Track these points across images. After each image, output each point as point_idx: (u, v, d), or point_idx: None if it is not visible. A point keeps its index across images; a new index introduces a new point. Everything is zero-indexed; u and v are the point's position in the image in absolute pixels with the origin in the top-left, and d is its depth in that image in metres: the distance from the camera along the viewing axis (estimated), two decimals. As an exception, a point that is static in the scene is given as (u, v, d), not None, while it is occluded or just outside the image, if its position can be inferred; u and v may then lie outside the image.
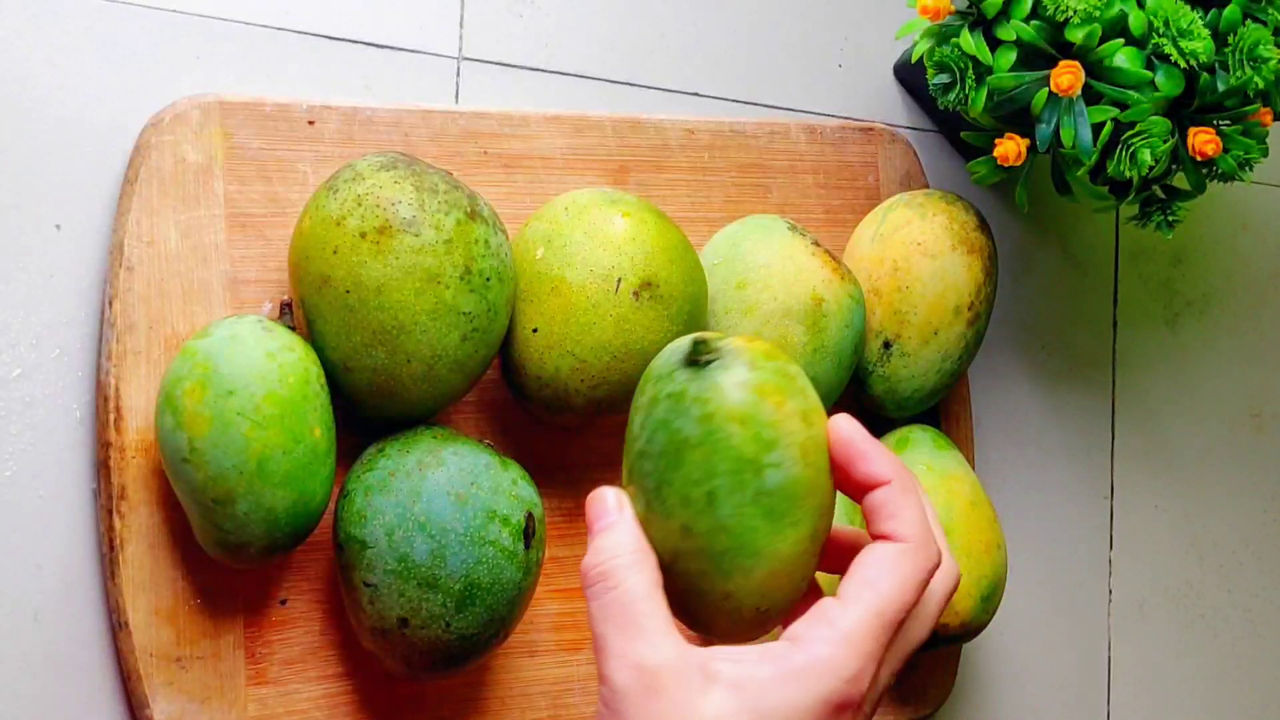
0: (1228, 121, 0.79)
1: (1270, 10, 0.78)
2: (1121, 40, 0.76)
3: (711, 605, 0.56)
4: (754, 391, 0.54)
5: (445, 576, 0.67)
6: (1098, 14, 0.75)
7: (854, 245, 0.85)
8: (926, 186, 0.91)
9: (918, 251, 0.82)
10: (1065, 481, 0.97)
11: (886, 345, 0.83)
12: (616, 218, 0.74)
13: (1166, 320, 1.02)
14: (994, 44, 0.78)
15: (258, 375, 0.65)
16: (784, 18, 0.90)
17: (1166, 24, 0.76)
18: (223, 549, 0.67)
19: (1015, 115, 0.79)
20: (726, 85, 0.88)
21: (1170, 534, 1.01)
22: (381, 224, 0.67)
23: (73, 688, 0.70)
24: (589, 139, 0.81)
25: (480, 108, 0.79)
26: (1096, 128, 0.77)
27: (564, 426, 0.78)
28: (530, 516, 0.70)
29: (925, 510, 0.56)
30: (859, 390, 0.85)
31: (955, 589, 0.58)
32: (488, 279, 0.70)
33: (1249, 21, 0.78)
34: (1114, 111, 0.76)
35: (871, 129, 0.89)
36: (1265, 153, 0.80)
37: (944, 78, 0.79)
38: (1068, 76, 0.75)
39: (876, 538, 0.55)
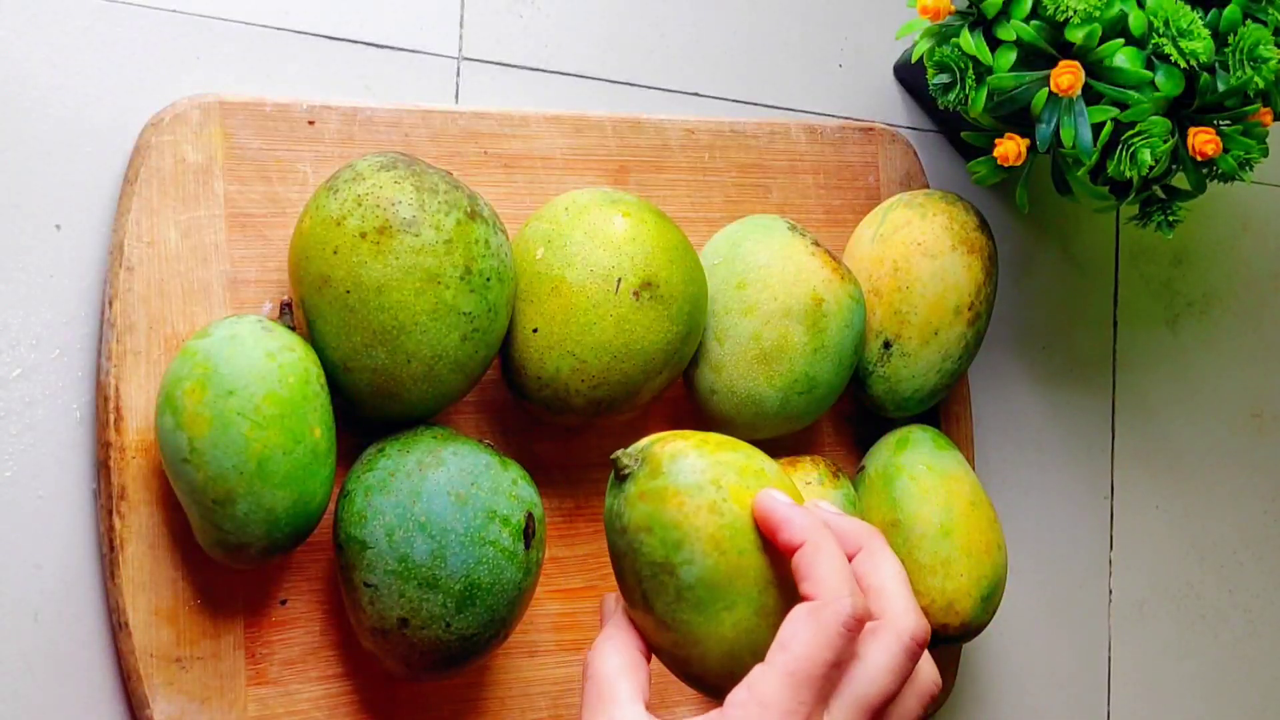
0: (1228, 121, 0.79)
1: (1270, 10, 0.78)
2: (1121, 40, 0.76)
3: (695, 685, 0.61)
4: (654, 500, 0.58)
5: (445, 577, 0.67)
6: (1098, 14, 0.75)
7: (854, 245, 0.85)
8: (926, 186, 0.91)
9: (918, 251, 0.82)
10: (1065, 481, 0.97)
11: (886, 345, 0.83)
12: (616, 218, 0.74)
13: (1166, 320, 1.02)
14: (994, 44, 0.78)
15: (258, 375, 0.65)
16: (784, 18, 0.90)
17: (1166, 24, 0.76)
18: (223, 549, 0.67)
19: (1015, 115, 0.79)
20: (726, 85, 0.88)
21: (1170, 534, 1.01)
22: (381, 224, 0.67)
23: (73, 688, 0.70)
24: (589, 139, 0.81)
25: (480, 108, 0.79)
26: (1096, 128, 0.77)
27: (564, 426, 0.78)
28: (530, 516, 0.70)
29: (837, 564, 0.57)
30: (859, 390, 0.85)
31: (924, 640, 0.59)
32: (488, 279, 0.70)
33: (1249, 21, 0.78)
34: (1114, 111, 0.76)
35: (871, 129, 0.89)
36: (1265, 153, 0.80)
37: (944, 78, 0.79)
38: (1068, 76, 0.75)
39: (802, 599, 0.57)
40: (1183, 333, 1.02)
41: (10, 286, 0.70)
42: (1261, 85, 0.77)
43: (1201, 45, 0.76)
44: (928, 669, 0.59)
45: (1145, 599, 1.00)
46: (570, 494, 0.79)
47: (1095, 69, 0.76)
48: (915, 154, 0.90)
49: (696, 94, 0.87)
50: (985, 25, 0.78)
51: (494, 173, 0.78)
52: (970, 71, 0.78)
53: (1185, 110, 0.79)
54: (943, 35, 0.79)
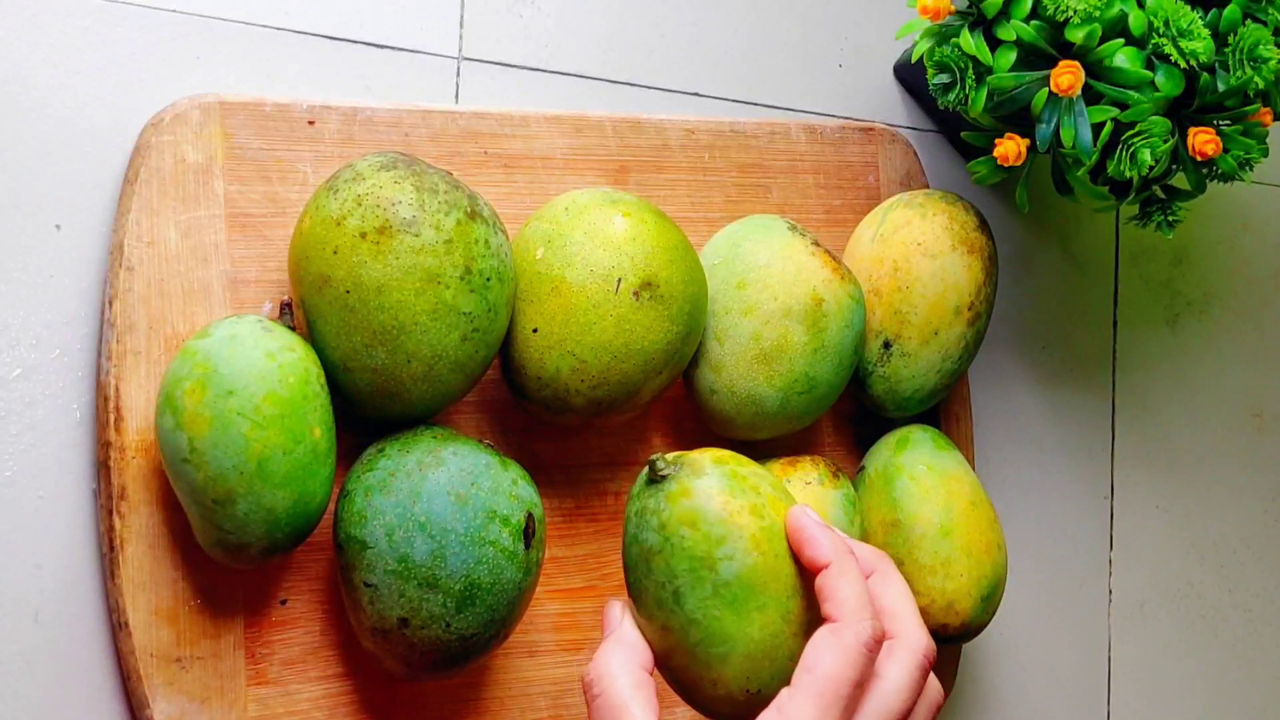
0: (1228, 121, 0.79)
1: (1270, 10, 0.78)
2: (1121, 40, 0.76)
3: (706, 693, 0.62)
4: (700, 495, 0.61)
5: (445, 577, 0.67)
6: (1098, 14, 0.75)
7: (854, 245, 0.85)
8: (926, 186, 0.91)
9: (918, 251, 0.82)
10: (1065, 481, 0.97)
11: (886, 345, 0.83)
12: (616, 218, 0.74)
13: (1167, 320, 1.02)
14: (994, 44, 0.78)
15: (258, 375, 0.65)
16: (784, 18, 0.90)
17: (1166, 24, 0.76)
18: (223, 549, 0.67)
19: (1015, 115, 0.79)
20: (726, 85, 0.88)
21: (1170, 534, 1.01)
22: (381, 224, 0.67)
23: (73, 688, 0.70)
24: (589, 139, 0.81)
25: (480, 108, 0.79)
26: (1096, 128, 0.77)
27: (564, 426, 0.78)
28: (530, 516, 0.70)
29: (859, 588, 0.59)
30: (859, 390, 0.85)
31: (934, 657, 0.61)
32: (488, 279, 0.70)
33: (1249, 21, 0.78)
34: (1114, 111, 0.76)
35: (871, 129, 0.89)
36: (1265, 153, 0.80)
37: (944, 78, 0.79)
38: (1068, 76, 0.75)
39: (825, 620, 0.59)
40: (1183, 332, 1.02)
41: (10, 286, 0.70)
42: (1261, 85, 0.77)
43: (1201, 45, 0.76)
44: (934, 681, 0.62)
45: (1145, 599, 1.00)
46: (570, 494, 0.79)
47: (1095, 69, 0.76)
48: (915, 154, 0.90)
49: (696, 94, 0.87)
50: (985, 25, 0.78)
51: (494, 173, 0.78)
52: (970, 71, 0.78)
53: (1185, 110, 0.79)
54: (943, 35, 0.79)
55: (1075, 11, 0.75)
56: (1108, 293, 1.00)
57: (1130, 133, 0.77)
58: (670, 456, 0.62)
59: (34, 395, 0.70)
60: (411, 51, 0.80)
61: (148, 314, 0.70)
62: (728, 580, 0.60)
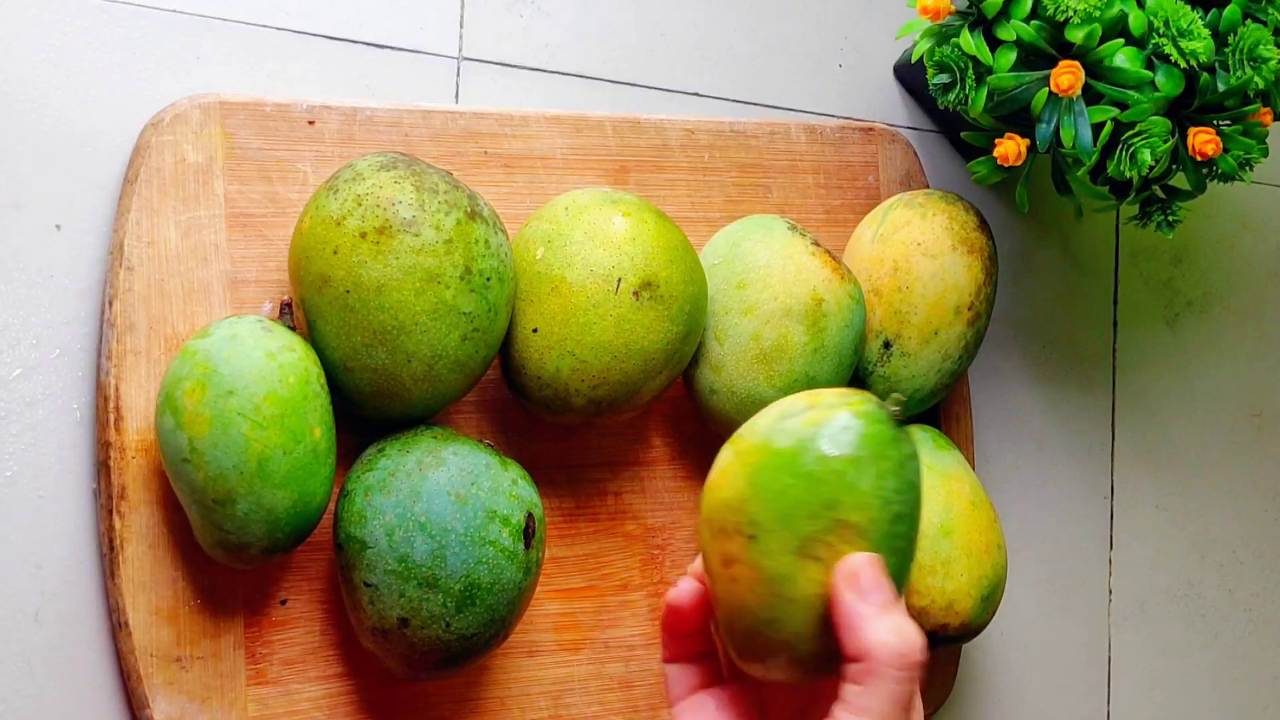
0: (1228, 121, 0.79)
1: (1270, 10, 0.78)
2: (1121, 40, 0.76)
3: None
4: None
5: (445, 576, 0.67)
6: (1098, 14, 0.75)
7: (854, 245, 0.85)
8: (926, 186, 0.91)
9: (918, 251, 0.82)
10: (1065, 481, 0.97)
11: (886, 345, 0.83)
12: (616, 218, 0.74)
13: (1166, 320, 1.02)
14: (994, 44, 0.78)
15: (258, 375, 0.65)
16: (784, 18, 0.90)
17: (1166, 24, 0.76)
18: (223, 549, 0.67)
19: (1015, 115, 0.79)
20: (726, 85, 0.88)
21: (1170, 534, 1.01)
22: (381, 224, 0.67)
23: (73, 688, 0.70)
24: (589, 139, 0.81)
25: (480, 108, 0.79)
26: (1096, 128, 0.76)
27: (564, 426, 0.78)
28: (530, 516, 0.70)
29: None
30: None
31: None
32: (488, 279, 0.70)
33: (1249, 21, 0.78)
34: (1114, 111, 0.76)
35: (871, 129, 0.89)
36: (1265, 153, 0.80)
37: (944, 78, 0.79)
38: (1068, 76, 0.75)
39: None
40: (1183, 332, 1.02)
41: (10, 286, 0.70)
42: (1261, 85, 0.77)
43: (1201, 45, 0.76)
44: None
45: (1146, 598, 1.00)
46: (570, 494, 0.79)
47: (1095, 69, 0.76)
48: (915, 154, 0.90)
49: (696, 94, 0.87)
50: (985, 25, 0.78)
51: (494, 173, 0.78)
52: (970, 71, 0.78)
53: (1185, 110, 0.79)
54: (943, 35, 0.79)
55: (1075, 11, 0.75)
56: (1108, 293, 1.00)
57: (1130, 133, 0.77)
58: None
59: (34, 395, 0.70)
60: (411, 51, 0.80)
61: (148, 314, 0.70)
62: (920, 530, 0.59)
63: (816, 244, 0.79)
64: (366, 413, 0.71)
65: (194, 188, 0.71)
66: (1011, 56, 0.77)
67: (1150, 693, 1.00)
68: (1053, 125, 0.77)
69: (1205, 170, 0.81)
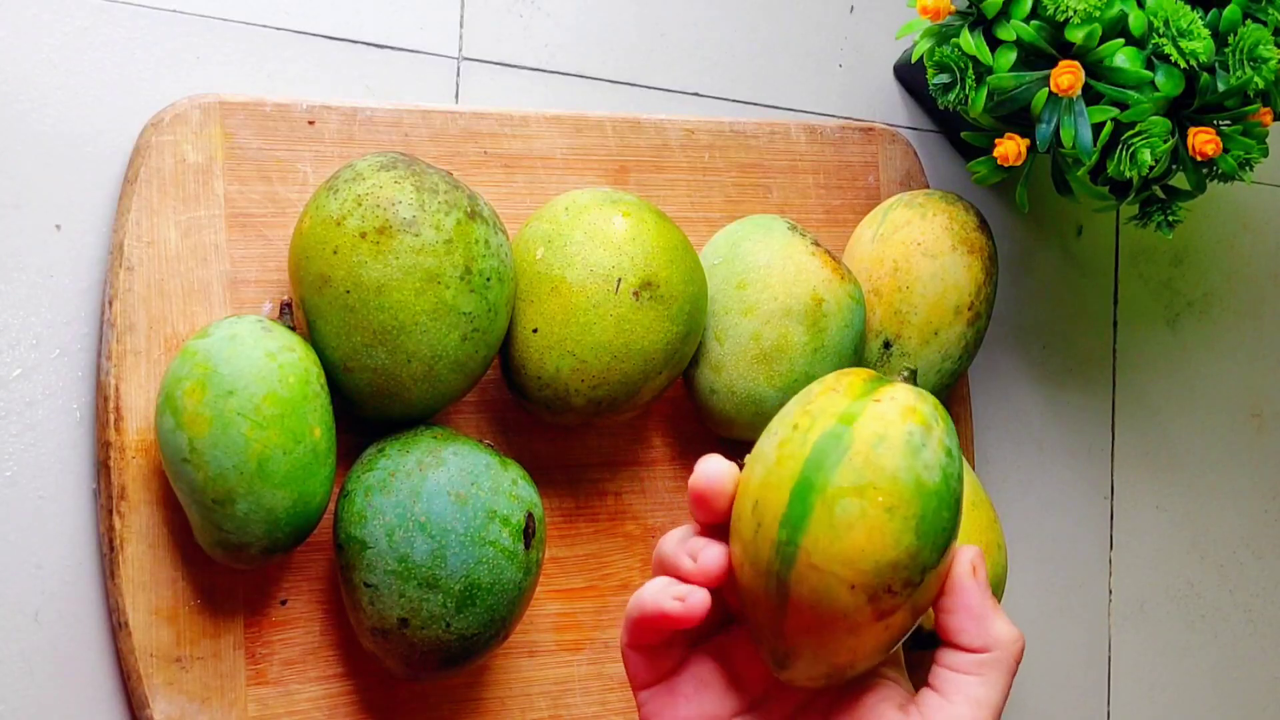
0: (1228, 121, 0.79)
1: (1270, 10, 0.78)
2: (1121, 40, 0.76)
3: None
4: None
5: (445, 577, 0.67)
6: (1098, 14, 0.75)
7: (854, 245, 0.85)
8: (926, 186, 0.91)
9: (918, 251, 0.82)
10: (1065, 481, 0.97)
11: (886, 345, 0.83)
12: (616, 218, 0.74)
13: (1166, 320, 1.02)
14: (994, 44, 0.78)
15: (258, 375, 0.65)
16: (784, 18, 0.90)
17: (1166, 24, 0.76)
18: (223, 549, 0.67)
19: (1015, 115, 0.79)
20: (726, 85, 0.88)
21: (1170, 534, 1.01)
22: (381, 224, 0.67)
23: (73, 688, 0.70)
24: (589, 139, 0.81)
25: (480, 108, 0.79)
26: (1096, 128, 0.77)
27: (564, 426, 0.78)
28: (530, 516, 0.70)
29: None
30: (859, 390, 0.85)
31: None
32: (488, 279, 0.70)
33: (1249, 21, 0.78)
34: (1114, 111, 0.76)
35: (871, 129, 0.89)
36: (1265, 153, 0.80)
37: (944, 78, 0.79)
38: (1068, 76, 0.75)
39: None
40: (1183, 332, 1.02)
41: (10, 286, 0.70)
42: (1261, 85, 0.77)
43: (1201, 45, 0.76)
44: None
45: (1145, 599, 1.00)
46: (570, 494, 0.79)
47: (1095, 69, 0.76)
48: (915, 154, 0.90)
49: (696, 94, 0.87)
50: (985, 25, 0.78)
51: (494, 173, 0.78)
52: (970, 71, 0.78)
53: (1185, 110, 0.79)
54: (943, 35, 0.79)
55: (1075, 11, 0.75)
56: (1108, 293, 1.00)
57: (1130, 133, 0.77)
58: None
59: (34, 395, 0.70)
60: (411, 51, 0.80)
61: (148, 314, 0.70)
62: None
63: (816, 244, 0.79)
64: (366, 413, 0.71)
65: (194, 188, 0.71)
66: (1011, 56, 0.77)
67: (1150, 693, 1.00)
68: (1053, 125, 0.77)
69: (1205, 170, 0.81)
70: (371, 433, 0.72)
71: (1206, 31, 0.76)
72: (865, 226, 0.85)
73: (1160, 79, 0.76)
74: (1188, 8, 0.76)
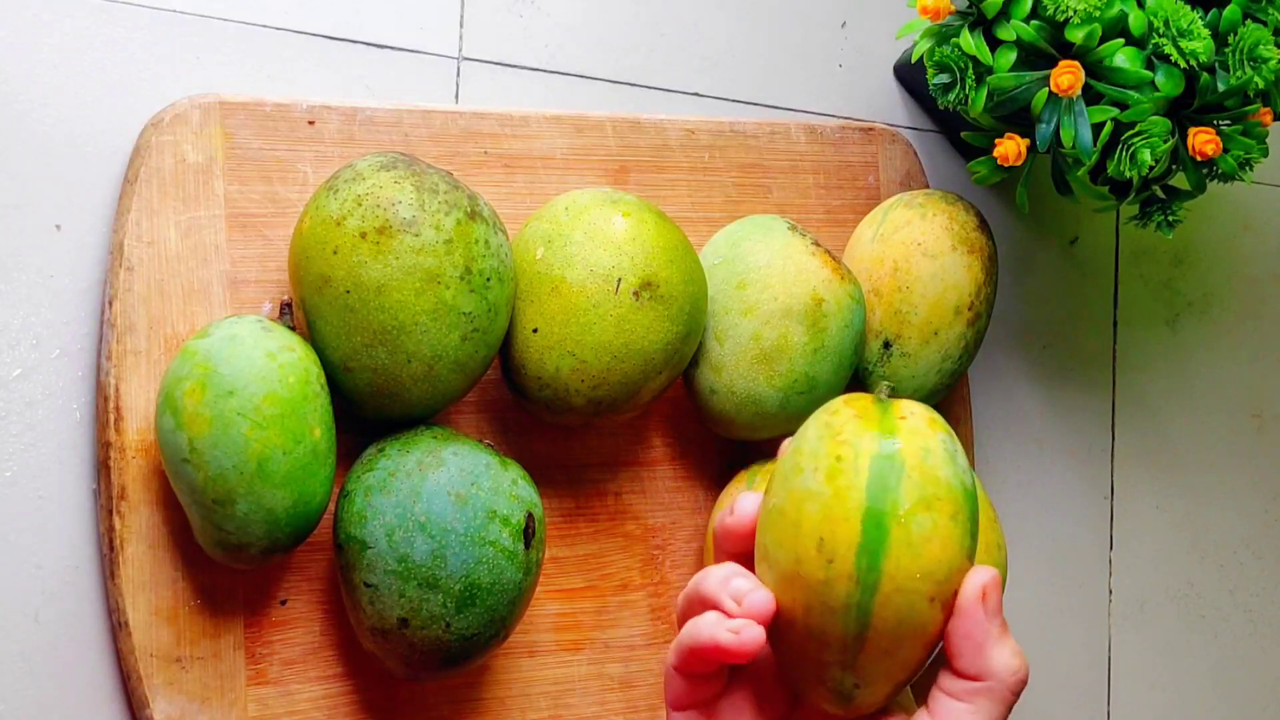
0: (1228, 121, 0.79)
1: (1270, 10, 0.78)
2: (1121, 40, 0.76)
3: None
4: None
5: (445, 577, 0.67)
6: (1098, 14, 0.75)
7: (854, 245, 0.85)
8: (926, 186, 0.91)
9: (918, 251, 0.82)
10: (1065, 481, 0.97)
11: (886, 345, 0.83)
12: (616, 218, 0.74)
13: (1166, 320, 1.02)
14: (994, 44, 0.78)
15: (258, 375, 0.65)
16: (784, 18, 0.90)
17: (1166, 24, 0.76)
18: (223, 549, 0.67)
19: (1015, 115, 0.79)
20: (726, 85, 0.88)
21: (1171, 534, 1.01)
22: (382, 224, 0.67)
23: (73, 688, 0.70)
24: (589, 139, 0.81)
25: (480, 108, 0.79)
26: (1096, 128, 0.76)
27: (564, 426, 0.78)
28: (530, 516, 0.70)
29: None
30: (859, 390, 0.85)
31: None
32: (488, 279, 0.70)
33: (1249, 21, 0.78)
34: (1114, 111, 0.76)
35: (871, 129, 0.89)
36: (1265, 153, 0.80)
37: (944, 78, 0.79)
38: (1068, 76, 0.75)
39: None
40: (1183, 332, 1.02)
41: (10, 286, 0.70)
42: (1261, 85, 0.77)
43: (1201, 45, 0.75)
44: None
45: (1145, 599, 1.00)
46: (570, 494, 0.79)
47: (1095, 69, 0.76)
48: (915, 154, 0.90)
49: (696, 94, 0.87)
50: (985, 25, 0.78)
51: (494, 173, 0.78)
52: (970, 71, 0.78)
53: (1185, 110, 0.79)
54: (943, 35, 0.79)
55: (1075, 11, 0.75)
56: (1108, 293, 1.00)
57: (1130, 133, 0.77)
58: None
59: (34, 395, 0.70)
60: (411, 51, 0.80)
61: (148, 314, 0.70)
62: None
63: (816, 244, 0.79)
64: (366, 413, 0.71)
65: (194, 188, 0.71)
66: (1011, 56, 0.77)
67: (1150, 693, 1.00)
68: (1053, 125, 0.77)
69: (1205, 170, 0.81)
70: (371, 433, 0.72)
71: (1206, 31, 0.76)
72: (865, 226, 0.85)
73: (1160, 79, 0.76)
74: (1188, 8, 0.76)
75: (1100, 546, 0.99)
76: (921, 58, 0.81)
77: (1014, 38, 0.76)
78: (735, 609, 0.53)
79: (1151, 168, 0.77)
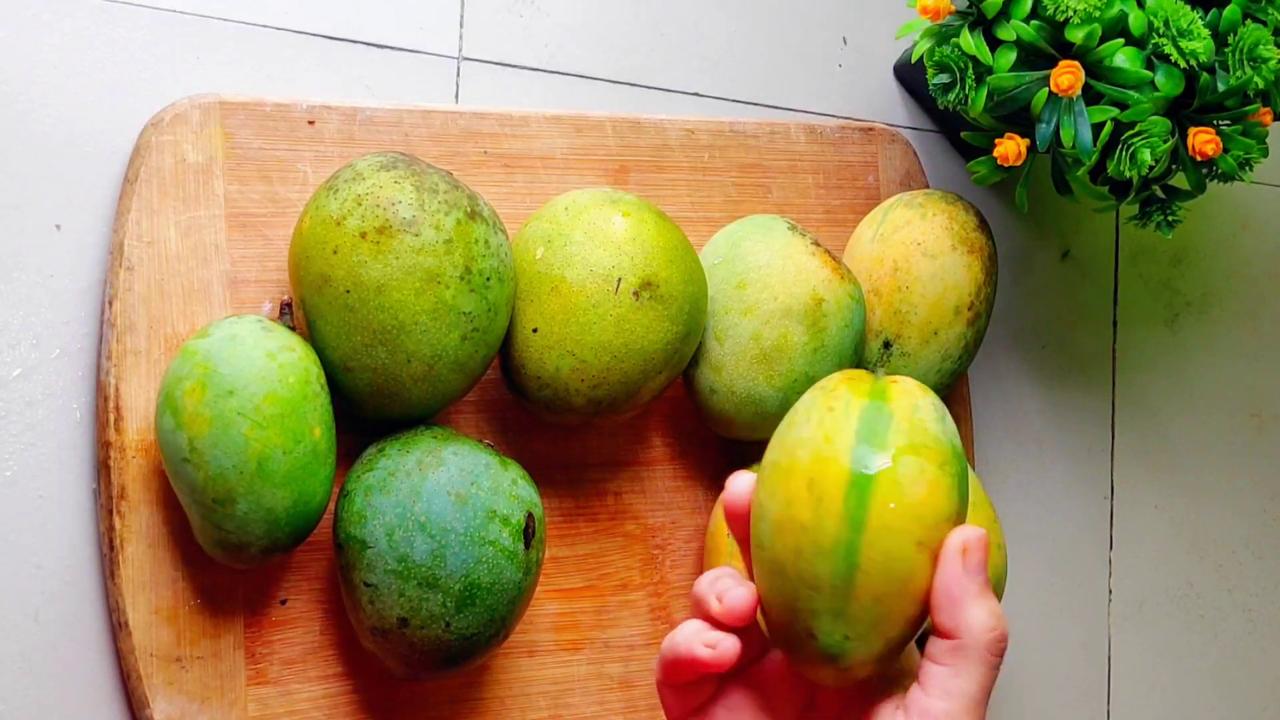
0: (1228, 121, 0.79)
1: (1270, 10, 0.78)
2: (1121, 40, 0.76)
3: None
4: None
5: (445, 576, 0.67)
6: (1098, 14, 0.75)
7: (854, 245, 0.85)
8: (926, 186, 0.91)
9: (918, 251, 0.82)
10: (1065, 481, 0.97)
11: (886, 345, 0.83)
12: (616, 218, 0.74)
13: (1166, 320, 1.02)
14: (994, 44, 0.78)
15: (258, 375, 0.65)
16: (784, 18, 0.90)
17: (1166, 24, 0.76)
18: (223, 549, 0.67)
19: (1015, 115, 0.79)
20: (726, 85, 0.88)
21: (1170, 534, 1.01)
22: (381, 224, 0.67)
23: (73, 688, 0.70)
24: (589, 139, 0.81)
25: (480, 108, 0.79)
26: (1096, 128, 0.77)
27: (564, 426, 0.78)
28: (530, 516, 0.70)
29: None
30: (859, 390, 0.85)
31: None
32: (488, 279, 0.70)
33: (1249, 21, 0.78)
34: (1114, 111, 0.76)
35: (871, 129, 0.89)
36: (1265, 153, 0.80)
37: (944, 78, 0.79)
38: (1068, 76, 0.75)
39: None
40: (1182, 332, 1.02)
41: (10, 286, 0.70)
42: (1261, 85, 0.77)
43: (1201, 45, 0.76)
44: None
45: (1145, 598, 1.00)
46: (570, 494, 0.79)
47: (1095, 69, 0.76)
48: (915, 154, 0.90)
49: (696, 94, 0.87)
50: (985, 25, 0.78)
51: (494, 173, 0.78)
52: (970, 71, 0.78)
53: (1185, 110, 0.79)
54: (943, 35, 0.79)
55: (1075, 11, 0.75)
56: (1108, 293, 1.00)
57: (1130, 133, 0.77)
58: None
59: (34, 395, 0.70)
60: (411, 51, 0.80)
61: (148, 314, 0.70)
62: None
63: (816, 244, 0.79)
64: (366, 413, 0.71)
65: (194, 188, 0.71)
66: (1011, 56, 0.77)
67: (1150, 693, 1.00)
68: (1053, 125, 0.77)
69: (1205, 170, 0.81)
70: (371, 433, 0.72)
71: (1206, 31, 0.76)
72: (865, 226, 0.85)
73: (1160, 79, 0.76)
74: (1188, 8, 0.76)
75: (1100, 546, 0.99)
76: (921, 58, 0.81)
77: (1014, 38, 0.76)
78: (717, 607, 0.54)
79: (1151, 168, 0.77)
